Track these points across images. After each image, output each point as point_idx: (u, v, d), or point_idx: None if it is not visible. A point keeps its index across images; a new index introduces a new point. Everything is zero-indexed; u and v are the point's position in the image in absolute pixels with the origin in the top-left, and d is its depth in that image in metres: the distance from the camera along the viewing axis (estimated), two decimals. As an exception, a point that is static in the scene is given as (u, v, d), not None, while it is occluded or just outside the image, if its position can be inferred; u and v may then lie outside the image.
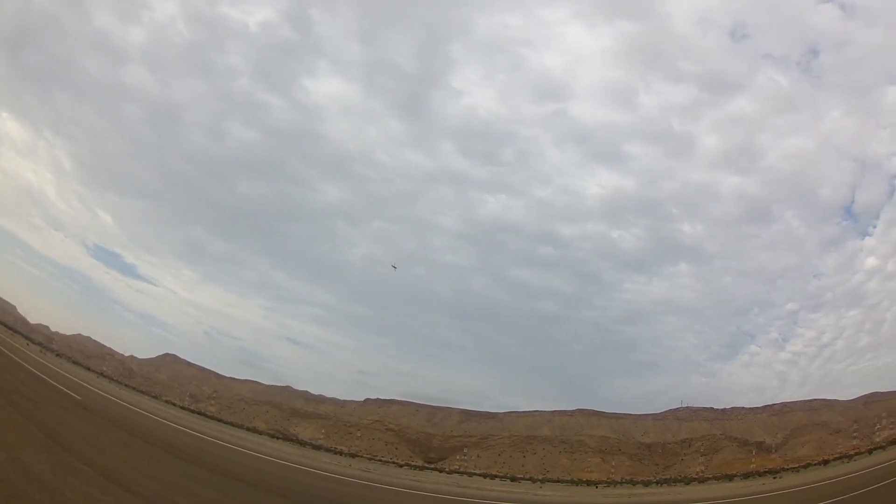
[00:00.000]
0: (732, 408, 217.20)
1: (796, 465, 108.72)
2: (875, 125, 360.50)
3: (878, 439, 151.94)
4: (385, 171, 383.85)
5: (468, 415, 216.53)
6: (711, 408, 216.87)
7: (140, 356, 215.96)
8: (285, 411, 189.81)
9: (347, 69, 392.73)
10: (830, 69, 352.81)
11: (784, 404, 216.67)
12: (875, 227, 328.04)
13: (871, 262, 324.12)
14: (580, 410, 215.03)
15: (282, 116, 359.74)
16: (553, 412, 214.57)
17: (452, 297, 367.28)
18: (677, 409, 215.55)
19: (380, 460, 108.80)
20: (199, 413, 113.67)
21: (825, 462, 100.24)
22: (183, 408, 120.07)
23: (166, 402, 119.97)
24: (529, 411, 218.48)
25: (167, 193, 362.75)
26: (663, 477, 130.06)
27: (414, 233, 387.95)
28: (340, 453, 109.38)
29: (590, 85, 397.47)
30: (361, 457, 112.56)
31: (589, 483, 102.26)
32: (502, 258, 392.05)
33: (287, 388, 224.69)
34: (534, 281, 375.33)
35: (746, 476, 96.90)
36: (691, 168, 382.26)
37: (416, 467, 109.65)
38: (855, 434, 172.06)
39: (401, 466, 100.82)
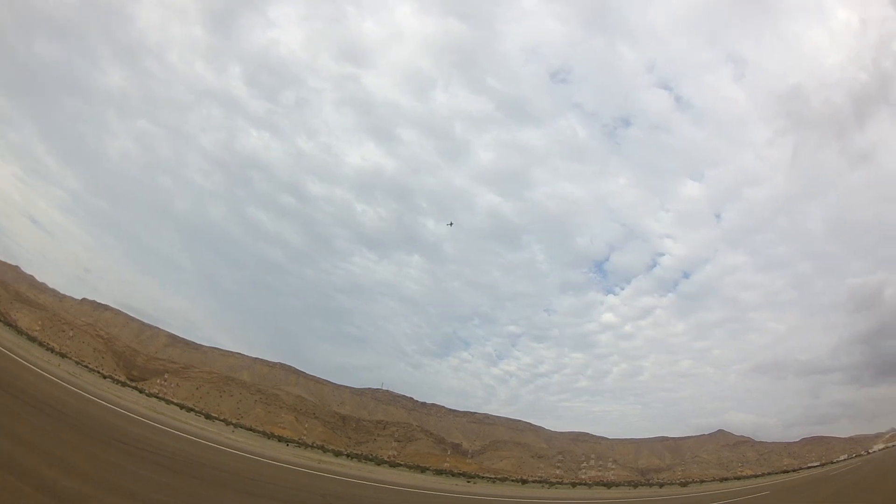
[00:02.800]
0: (433, 404, 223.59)
1: (493, 476, 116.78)
2: (658, 206, 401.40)
3: (583, 476, 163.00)
4: (171, 73, 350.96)
5: (175, 340, 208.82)
6: (412, 398, 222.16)
7: None
8: (10, 293, 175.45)
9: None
10: (635, 142, 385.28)
11: (487, 416, 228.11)
12: (623, 289, 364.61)
13: (608, 317, 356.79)
14: (282, 365, 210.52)
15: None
16: (255, 359, 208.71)
17: (188, 218, 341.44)
18: (377, 390, 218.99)
19: (86, 366, 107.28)
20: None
21: (524, 481, 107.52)
22: None
23: None
24: (233, 352, 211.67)
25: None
26: (354, 452, 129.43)
27: (173, 142, 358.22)
28: (52, 350, 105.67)
29: (394, 63, 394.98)
30: (70, 359, 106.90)
31: (281, 439, 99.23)
32: (246, 194, 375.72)
33: (16, 269, 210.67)
34: (269, 226, 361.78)
35: (439, 472, 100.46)
36: (457, 173, 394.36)
37: (118, 382, 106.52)
38: (559, 464, 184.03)
39: (105, 377, 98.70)
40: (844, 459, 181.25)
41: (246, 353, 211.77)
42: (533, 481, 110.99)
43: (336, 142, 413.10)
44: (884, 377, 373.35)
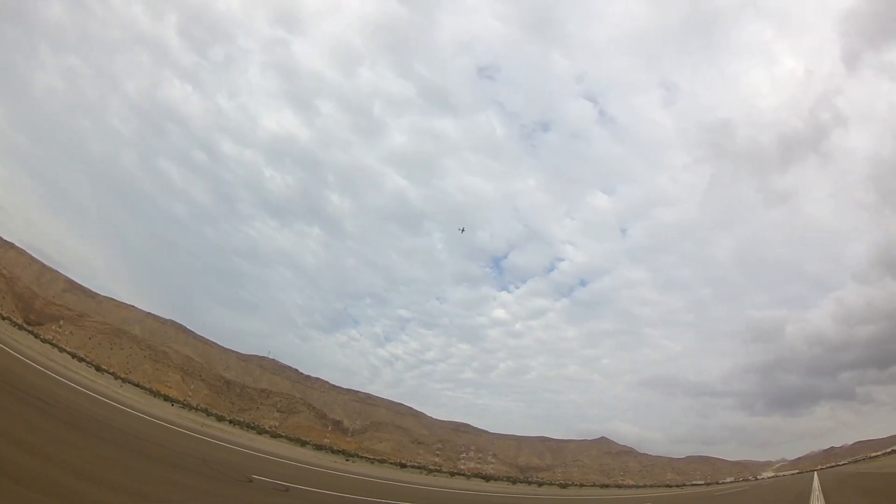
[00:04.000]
0: (318, 378, 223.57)
1: (371, 457, 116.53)
2: (565, 212, 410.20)
3: (462, 467, 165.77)
4: (109, 12, 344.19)
5: (73, 286, 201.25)
6: (297, 370, 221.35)
7: None
8: None
9: None
10: (551, 148, 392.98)
11: (370, 396, 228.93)
12: (518, 288, 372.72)
13: (499, 313, 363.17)
14: (173, 322, 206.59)
15: None
16: (148, 314, 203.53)
17: (101, 163, 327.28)
18: (264, 358, 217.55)
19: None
20: None
21: (403, 465, 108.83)
22: None
23: None
24: (127, 304, 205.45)
25: None
26: (237, 418, 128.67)
27: (99, 84, 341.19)
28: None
29: (327, 35, 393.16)
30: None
31: (167, 398, 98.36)
32: (160, 145, 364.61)
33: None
34: (177, 180, 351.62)
35: (319, 447, 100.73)
36: (368, 151, 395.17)
37: (15, 324, 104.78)
38: (438, 452, 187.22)
39: (3, 319, 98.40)
40: (731, 482, 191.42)
41: (139, 307, 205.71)
42: (412, 466, 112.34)
43: (255, 105, 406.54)
44: (777, 408, 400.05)
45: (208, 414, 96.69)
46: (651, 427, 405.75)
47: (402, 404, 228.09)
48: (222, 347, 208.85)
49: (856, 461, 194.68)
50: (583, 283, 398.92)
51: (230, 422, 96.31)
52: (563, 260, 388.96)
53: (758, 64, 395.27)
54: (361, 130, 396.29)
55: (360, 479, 36.76)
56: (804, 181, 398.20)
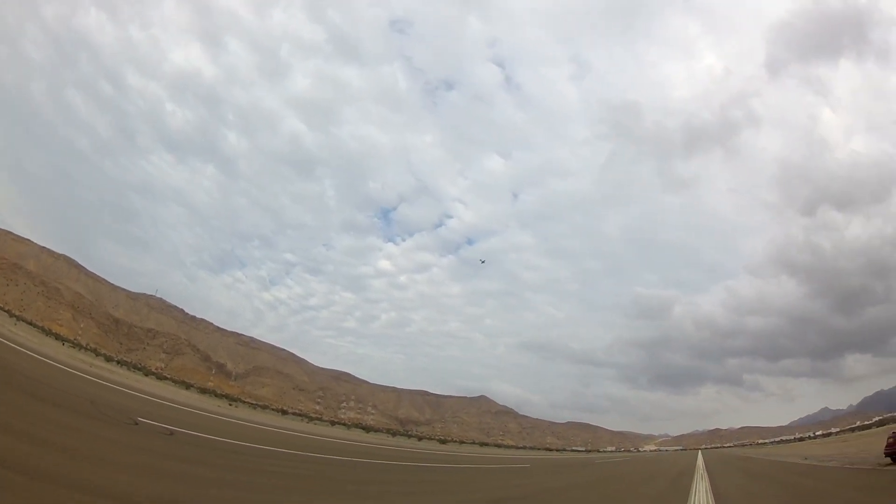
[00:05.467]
0: (203, 319, 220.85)
1: (254, 402, 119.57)
2: (458, 171, 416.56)
3: (343, 416, 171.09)
4: None
5: None
6: (183, 310, 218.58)
7: None
8: None
9: None
10: (452, 106, 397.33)
11: (253, 339, 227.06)
12: (404, 241, 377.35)
13: (385, 264, 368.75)
14: (66, 257, 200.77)
15: None
16: (43, 248, 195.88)
17: (9, 90, 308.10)
18: (151, 297, 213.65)
19: None
20: None
21: (284, 412, 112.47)
22: None
23: None
24: (24, 238, 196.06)
25: None
26: (125, 359, 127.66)
27: (17, 7, 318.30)
28: None
29: None
30: None
31: (58, 337, 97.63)
32: (69, 75, 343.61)
33: None
34: (82, 112, 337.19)
35: (204, 391, 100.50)
36: (270, 92, 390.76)
37: None
38: (319, 400, 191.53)
39: None
40: (612, 451, 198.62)
41: (35, 241, 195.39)
42: (293, 413, 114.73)
43: (166, 37, 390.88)
44: (661, 385, 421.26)
45: (97, 353, 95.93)
46: (531, 389, 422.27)
47: (284, 350, 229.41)
48: (112, 285, 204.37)
49: (743, 445, 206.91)
50: (470, 242, 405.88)
51: (118, 362, 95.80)
52: (451, 217, 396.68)
53: (677, 56, 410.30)
54: (266, 71, 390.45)
55: (243, 425, 37.61)
56: (707, 172, 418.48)
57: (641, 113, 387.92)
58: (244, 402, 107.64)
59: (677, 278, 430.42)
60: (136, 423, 17.97)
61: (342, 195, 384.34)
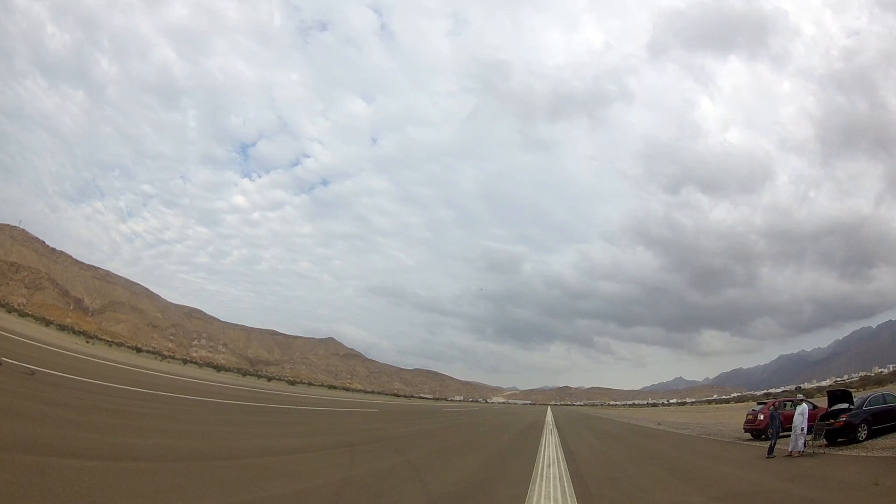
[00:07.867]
0: (62, 252, 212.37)
1: (109, 340, 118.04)
2: (320, 111, 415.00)
3: (195, 354, 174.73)
4: None
5: None
6: (44, 242, 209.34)
7: None
8: None
9: None
10: (323, 47, 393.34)
11: (109, 273, 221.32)
12: (260, 177, 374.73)
13: (239, 199, 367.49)
14: None
15: None
16: None
17: None
18: (14, 228, 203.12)
19: None
20: None
21: (139, 350, 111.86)
22: None
23: None
24: None
25: None
26: None
27: None
28: None
29: None
30: None
31: None
32: None
33: None
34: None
35: (63, 328, 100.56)
36: (146, 18, 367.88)
37: None
38: (172, 338, 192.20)
39: None
40: (460, 400, 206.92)
41: None
42: (147, 351, 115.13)
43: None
44: (507, 338, 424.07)
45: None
46: (378, 334, 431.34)
47: (138, 284, 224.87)
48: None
49: (593, 405, 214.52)
50: (324, 183, 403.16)
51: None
52: (308, 157, 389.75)
53: (557, 25, 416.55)
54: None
55: (101, 364, 37.73)
56: (569, 137, 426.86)
57: (511, 73, 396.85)
58: (101, 339, 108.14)
59: (527, 235, 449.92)
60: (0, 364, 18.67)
61: (203, 127, 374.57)
